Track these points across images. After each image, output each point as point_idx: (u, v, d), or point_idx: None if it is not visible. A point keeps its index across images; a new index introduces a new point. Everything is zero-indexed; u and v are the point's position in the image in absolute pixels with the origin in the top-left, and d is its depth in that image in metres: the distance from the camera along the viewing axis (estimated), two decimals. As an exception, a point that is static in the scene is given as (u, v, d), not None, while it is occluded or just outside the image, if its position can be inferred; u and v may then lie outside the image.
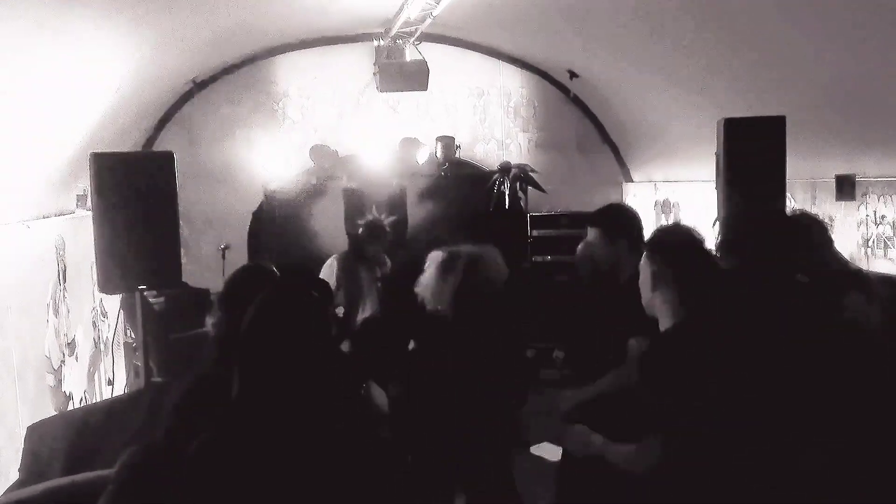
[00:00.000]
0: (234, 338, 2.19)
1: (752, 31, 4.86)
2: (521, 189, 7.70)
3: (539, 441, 5.68)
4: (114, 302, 5.57)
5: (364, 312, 5.40)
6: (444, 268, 3.01)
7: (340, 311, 5.26)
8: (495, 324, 2.91)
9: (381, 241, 5.53)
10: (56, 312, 4.57)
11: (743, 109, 4.81)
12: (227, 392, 2.13)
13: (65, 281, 4.76)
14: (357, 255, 5.42)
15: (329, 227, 7.55)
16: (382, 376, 5.75)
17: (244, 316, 2.13)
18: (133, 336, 5.51)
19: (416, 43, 7.06)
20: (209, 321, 2.44)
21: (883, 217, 4.77)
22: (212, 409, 2.14)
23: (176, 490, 1.60)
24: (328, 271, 5.33)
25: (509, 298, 3.37)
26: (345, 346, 5.05)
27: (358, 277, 5.38)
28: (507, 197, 7.61)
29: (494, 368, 2.88)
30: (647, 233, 3.03)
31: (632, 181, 8.37)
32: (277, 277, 2.38)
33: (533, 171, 7.76)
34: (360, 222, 6.30)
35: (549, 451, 5.44)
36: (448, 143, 7.66)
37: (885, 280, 4.21)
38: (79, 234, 4.92)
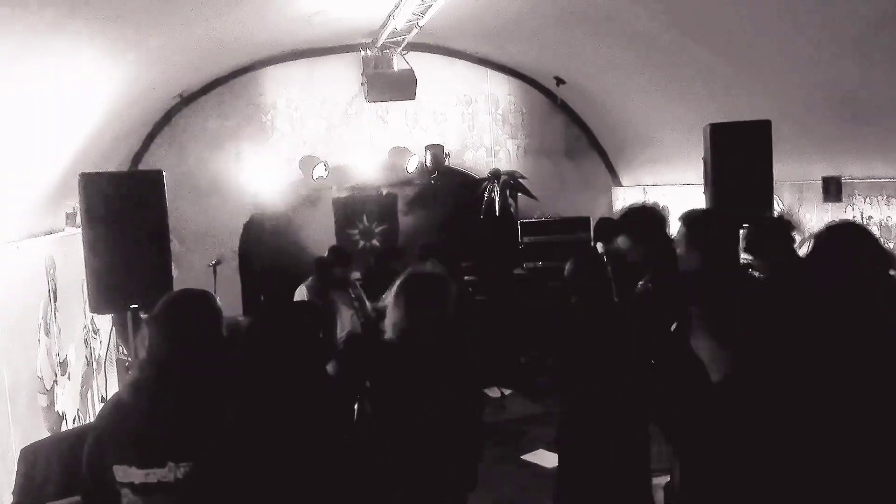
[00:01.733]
0: (158, 360, 2.18)
1: (737, 37, 4.90)
2: (511, 195, 7.73)
3: (533, 448, 5.70)
4: (105, 319, 5.55)
5: (342, 332, 5.45)
6: (395, 294, 2.89)
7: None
8: (443, 351, 2.78)
9: (347, 264, 5.62)
10: (47, 332, 4.54)
11: (729, 114, 4.84)
12: (138, 417, 2.13)
13: (56, 300, 4.73)
14: (324, 280, 5.48)
15: (320, 237, 7.55)
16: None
17: (172, 342, 2.11)
18: (126, 352, 5.48)
19: (403, 52, 7.08)
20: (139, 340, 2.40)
21: (870, 218, 4.81)
22: (123, 435, 2.14)
23: None
24: (298, 298, 5.39)
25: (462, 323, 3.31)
26: (330, 368, 5.06)
27: (330, 300, 5.44)
28: (497, 204, 7.63)
29: (442, 409, 2.76)
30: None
31: (621, 185, 8.41)
32: (212, 302, 2.34)
33: (522, 177, 7.79)
34: (352, 232, 6.33)
35: (543, 458, 5.46)
36: (437, 151, 7.68)
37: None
38: (69, 252, 4.90)
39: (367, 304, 5.85)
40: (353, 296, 5.71)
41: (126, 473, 2.11)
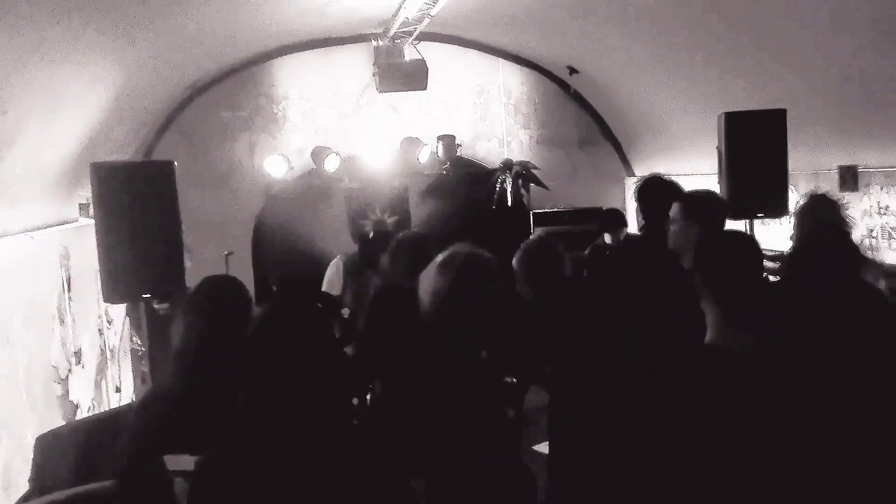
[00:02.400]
0: (198, 349, 2.18)
1: (752, 24, 4.85)
2: (523, 186, 7.70)
3: (544, 438, 5.69)
4: (119, 309, 5.58)
5: None
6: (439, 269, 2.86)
7: (346, 312, 5.26)
8: (481, 332, 2.73)
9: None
10: (62, 322, 4.58)
11: (745, 103, 4.80)
12: (184, 405, 2.12)
13: (70, 290, 4.77)
14: (364, 258, 5.39)
15: (332, 228, 7.55)
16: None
17: (212, 328, 2.11)
18: (139, 342, 5.52)
19: (414, 42, 7.06)
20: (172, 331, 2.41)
21: (887, 207, 4.75)
22: (169, 423, 2.14)
23: None
24: (333, 272, 5.31)
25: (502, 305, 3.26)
26: (350, 349, 5.06)
27: (364, 280, 5.37)
28: (509, 194, 7.61)
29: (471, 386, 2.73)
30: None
31: (634, 175, 8.35)
32: (246, 289, 2.37)
33: (535, 167, 7.76)
34: (364, 223, 6.28)
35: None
36: (449, 141, 7.66)
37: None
38: (83, 242, 4.92)
39: None
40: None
41: (177, 462, 2.11)
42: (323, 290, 5.27)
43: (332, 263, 5.41)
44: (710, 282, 2.09)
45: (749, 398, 1.94)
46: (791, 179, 4.47)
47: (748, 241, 2.28)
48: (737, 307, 2.06)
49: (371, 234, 5.48)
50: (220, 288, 2.39)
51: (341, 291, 5.20)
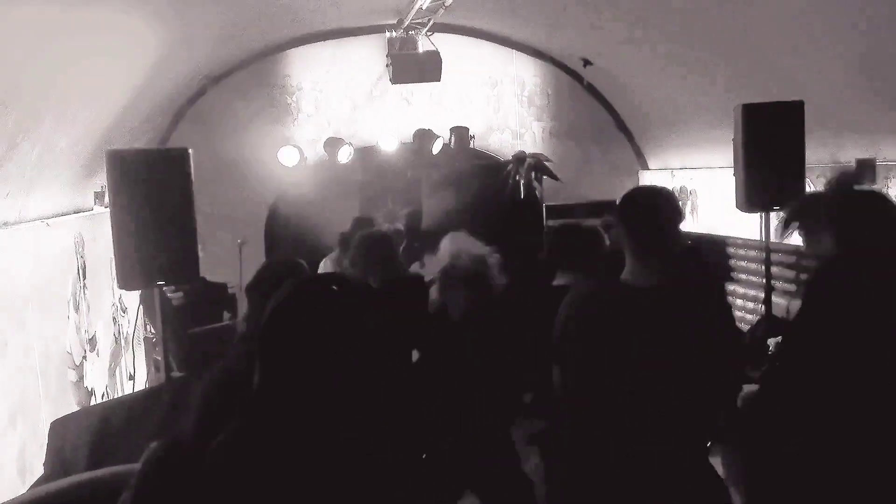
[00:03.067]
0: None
1: (769, 15, 4.80)
2: (536, 179, 7.66)
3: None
4: (133, 297, 5.62)
5: None
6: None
7: None
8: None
9: None
10: (76, 309, 4.61)
11: (761, 94, 4.75)
12: (250, 386, 2.12)
13: (84, 277, 4.80)
14: (345, 255, 5.34)
15: (345, 219, 7.55)
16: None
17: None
18: (153, 331, 5.56)
19: (428, 34, 7.03)
20: (239, 315, 2.44)
21: (905, 201, 4.70)
22: (236, 402, 2.14)
23: (201, 484, 1.60)
24: (322, 272, 5.29)
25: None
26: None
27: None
28: (522, 187, 7.58)
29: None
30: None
31: (648, 169, 8.31)
32: (306, 270, 2.38)
33: (548, 160, 7.72)
34: (376, 213, 6.22)
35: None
36: (462, 133, 7.64)
37: None
38: (97, 230, 4.96)
39: None
40: None
41: None
42: None
43: (321, 263, 5.42)
44: (626, 227, 2.37)
45: (643, 329, 2.20)
46: (808, 173, 4.42)
47: (663, 194, 2.48)
48: (648, 250, 2.32)
49: (349, 229, 5.48)
50: (272, 270, 2.40)
51: None
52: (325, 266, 5.39)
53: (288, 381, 1.59)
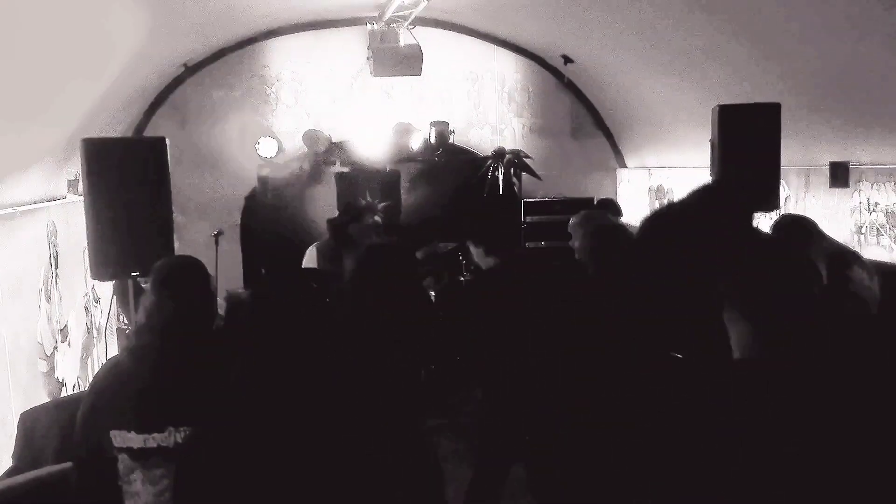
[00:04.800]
0: (160, 324, 2.18)
1: (747, 17, 4.84)
2: (515, 175, 7.69)
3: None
4: (106, 287, 5.54)
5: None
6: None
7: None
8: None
9: (362, 221, 5.35)
10: (48, 298, 4.54)
11: (738, 96, 4.80)
12: (135, 383, 2.12)
13: (57, 267, 4.73)
14: (339, 240, 5.22)
15: (322, 212, 7.52)
16: None
17: (175, 308, 2.11)
18: (126, 321, 5.49)
19: (409, 27, 7.01)
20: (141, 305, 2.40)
21: (876, 204, 4.78)
22: (119, 399, 2.14)
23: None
24: (307, 260, 5.19)
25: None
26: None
27: (341, 265, 5.27)
28: (501, 182, 7.60)
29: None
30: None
31: (626, 167, 8.36)
32: (205, 270, 2.37)
33: (527, 156, 7.75)
34: (374, 203, 6.12)
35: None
36: (442, 128, 7.63)
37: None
38: (70, 219, 4.89)
39: None
40: None
41: (124, 438, 2.12)
42: None
43: (307, 252, 5.29)
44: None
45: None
46: (782, 174, 4.48)
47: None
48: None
49: (338, 215, 5.38)
50: (184, 267, 2.39)
51: None
52: (311, 253, 5.27)
53: (270, 376, 1.59)
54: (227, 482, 1.56)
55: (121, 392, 2.14)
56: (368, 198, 7.68)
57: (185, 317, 2.16)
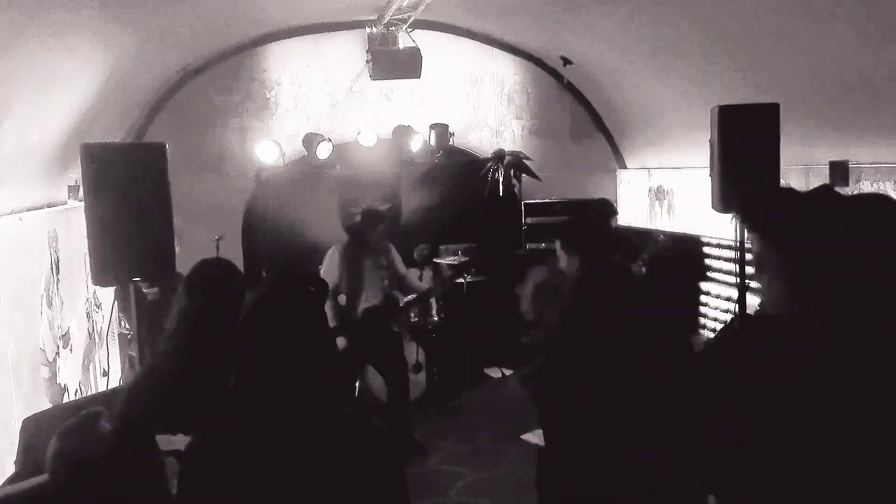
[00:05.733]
0: (190, 330, 2.18)
1: (747, 18, 4.85)
2: (515, 176, 7.69)
3: (531, 428, 5.72)
4: (108, 292, 5.55)
5: (367, 301, 5.39)
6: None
7: (342, 299, 5.28)
8: None
9: (381, 227, 5.51)
10: (49, 304, 4.55)
11: (737, 96, 4.80)
12: (176, 386, 2.12)
13: (58, 272, 4.74)
14: (359, 243, 5.38)
15: (323, 215, 7.53)
16: (380, 363, 5.74)
17: (206, 309, 2.11)
18: (128, 327, 5.49)
19: (408, 30, 7.02)
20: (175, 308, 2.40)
21: (876, 203, 4.78)
22: (161, 403, 2.14)
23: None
24: (330, 261, 5.31)
25: None
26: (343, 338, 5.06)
27: (360, 266, 5.37)
28: (501, 184, 7.60)
29: None
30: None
31: (626, 168, 8.37)
32: (239, 272, 2.39)
33: (527, 158, 7.75)
34: (355, 210, 6.24)
35: (541, 437, 5.47)
36: (442, 130, 7.63)
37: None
38: (71, 225, 4.89)
39: (401, 268, 5.81)
40: (384, 263, 5.65)
41: (171, 442, 2.11)
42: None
43: (328, 253, 5.41)
44: None
45: None
46: (782, 174, 4.48)
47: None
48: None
49: (357, 218, 5.50)
50: (215, 270, 2.40)
51: (339, 279, 5.21)
52: (332, 255, 5.38)
53: (266, 381, 1.59)
54: (226, 482, 1.56)
55: (162, 395, 2.14)
56: (369, 201, 7.70)
57: (216, 317, 2.16)
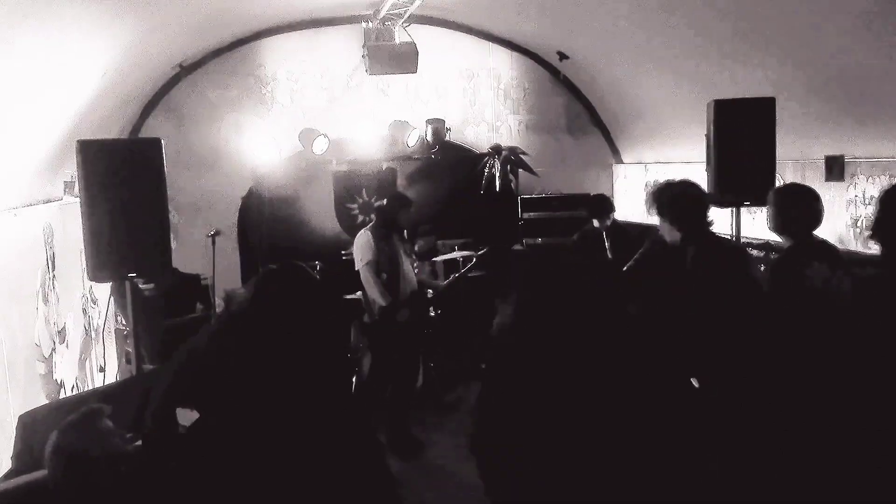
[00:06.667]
0: (236, 314, 2.17)
1: (743, 12, 4.85)
2: (511, 171, 7.69)
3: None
4: (104, 288, 5.55)
5: (404, 281, 5.41)
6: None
7: (384, 277, 5.33)
8: None
9: (407, 209, 5.56)
10: (45, 300, 4.54)
11: (733, 91, 4.81)
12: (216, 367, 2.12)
13: (54, 268, 4.73)
14: (388, 225, 5.41)
15: (319, 210, 7.53)
16: (401, 353, 5.69)
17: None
18: (124, 323, 5.49)
19: (405, 25, 7.01)
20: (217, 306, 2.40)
21: (871, 197, 4.79)
22: (201, 382, 2.13)
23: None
24: (364, 241, 5.32)
25: None
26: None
27: (394, 246, 5.42)
28: (497, 179, 7.60)
29: None
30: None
31: (622, 162, 8.37)
32: (301, 276, 2.38)
33: (523, 153, 7.75)
34: (351, 205, 6.22)
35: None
36: (438, 125, 7.63)
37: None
38: (67, 220, 4.88)
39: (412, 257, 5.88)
40: (408, 249, 5.73)
41: (188, 416, 2.09)
42: (357, 260, 5.34)
43: (360, 235, 5.43)
44: None
45: None
46: (778, 168, 4.49)
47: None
48: None
49: (385, 202, 5.59)
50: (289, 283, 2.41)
51: (375, 257, 5.25)
52: (361, 239, 5.40)
53: (269, 359, 1.59)
54: (223, 468, 1.57)
55: (202, 374, 2.12)
56: (365, 196, 7.70)
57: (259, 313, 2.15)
